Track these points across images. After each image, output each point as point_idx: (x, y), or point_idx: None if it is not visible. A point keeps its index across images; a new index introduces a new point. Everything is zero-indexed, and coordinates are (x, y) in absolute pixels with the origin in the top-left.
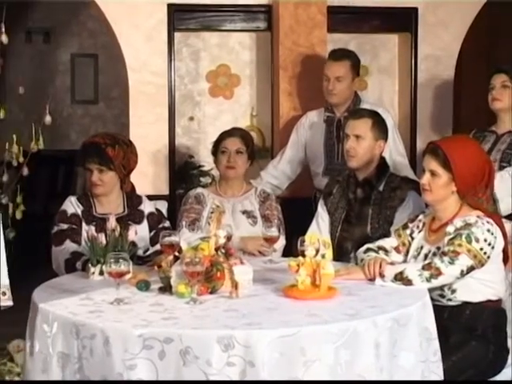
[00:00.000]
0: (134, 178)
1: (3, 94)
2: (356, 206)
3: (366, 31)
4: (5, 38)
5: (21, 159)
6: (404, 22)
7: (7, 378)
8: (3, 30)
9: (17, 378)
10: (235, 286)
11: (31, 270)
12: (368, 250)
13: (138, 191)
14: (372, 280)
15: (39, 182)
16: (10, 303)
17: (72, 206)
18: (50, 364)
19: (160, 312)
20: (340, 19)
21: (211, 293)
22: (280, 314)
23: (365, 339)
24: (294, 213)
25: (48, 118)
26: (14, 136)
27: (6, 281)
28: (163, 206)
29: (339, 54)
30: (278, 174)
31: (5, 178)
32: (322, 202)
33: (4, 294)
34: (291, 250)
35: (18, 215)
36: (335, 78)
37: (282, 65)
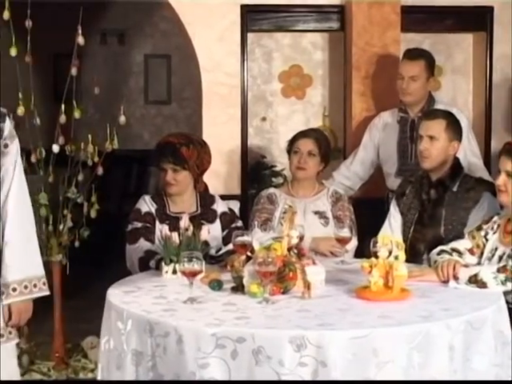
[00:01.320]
0: (207, 177)
1: (79, 94)
2: (429, 207)
3: (439, 31)
4: (81, 40)
5: (96, 159)
6: (479, 21)
7: (81, 375)
8: (80, 31)
9: (90, 375)
10: (307, 286)
11: (105, 268)
12: (441, 251)
13: (211, 191)
14: (446, 282)
15: (113, 181)
16: (48, 292)
17: (146, 204)
18: (124, 361)
19: (233, 311)
20: (414, 19)
21: (283, 293)
22: (352, 315)
23: (438, 342)
24: (366, 213)
25: (122, 119)
26: (90, 136)
27: (43, 271)
28: (235, 206)
29: (414, 54)
30: (350, 174)
31: (80, 178)
32: (394, 203)
33: (44, 283)
34: (363, 251)
35: (93, 214)
36: (410, 78)
37: (354, 65)
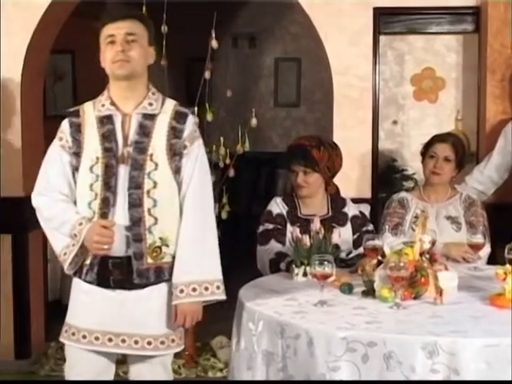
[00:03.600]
0: (338, 180)
1: (210, 97)
2: None
3: None
4: (215, 44)
5: (227, 161)
6: None
7: (210, 374)
8: (213, 35)
9: (219, 374)
10: (440, 292)
11: (235, 268)
12: None
13: (342, 193)
14: None
15: (243, 183)
16: (224, 297)
17: (277, 206)
18: (255, 362)
19: (363, 315)
20: None
21: (415, 298)
22: (486, 323)
23: None
24: (500, 219)
25: (254, 121)
26: (221, 138)
27: (220, 275)
28: (366, 209)
29: None
30: (483, 179)
31: (212, 179)
32: None
33: (218, 287)
34: (496, 258)
35: (224, 215)
36: None
37: (489, 67)
